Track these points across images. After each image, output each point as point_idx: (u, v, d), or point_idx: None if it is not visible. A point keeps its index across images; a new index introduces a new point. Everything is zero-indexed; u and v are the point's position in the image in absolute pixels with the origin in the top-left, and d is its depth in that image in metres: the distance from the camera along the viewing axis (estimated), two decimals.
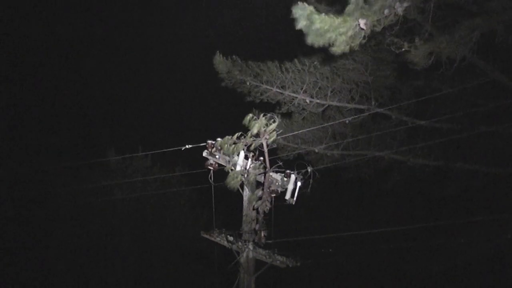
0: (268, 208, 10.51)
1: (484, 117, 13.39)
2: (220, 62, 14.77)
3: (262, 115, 10.23)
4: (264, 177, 10.71)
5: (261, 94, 15.09)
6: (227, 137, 10.38)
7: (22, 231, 19.42)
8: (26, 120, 24.11)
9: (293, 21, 9.22)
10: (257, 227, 10.51)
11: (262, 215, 10.52)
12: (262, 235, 10.49)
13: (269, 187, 10.74)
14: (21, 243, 19.27)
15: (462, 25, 9.86)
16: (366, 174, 15.48)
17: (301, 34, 9.52)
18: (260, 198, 10.60)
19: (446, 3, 11.05)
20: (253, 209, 10.59)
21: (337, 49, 8.86)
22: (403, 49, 9.94)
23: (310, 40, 9.00)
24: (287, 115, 15.46)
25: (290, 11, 9.02)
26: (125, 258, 20.42)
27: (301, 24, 8.89)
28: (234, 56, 14.93)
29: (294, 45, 14.60)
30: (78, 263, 19.72)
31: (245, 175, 10.63)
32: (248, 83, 14.89)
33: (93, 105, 27.41)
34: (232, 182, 10.37)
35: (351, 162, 14.99)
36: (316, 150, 14.98)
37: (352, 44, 9.08)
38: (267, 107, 15.15)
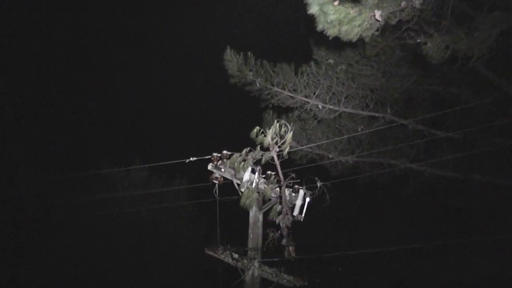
0: (291, 222, 10.60)
1: (504, 129, 13.46)
2: (230, 59, 14.54)
3: (275, 121, 10.33)
4: (280, 191, 10.85)
5: (272, 97, 15.04)
6: (235, 154, 10.55)
7: (10, 245, 19.05)
8: (14, 128, 23.80)
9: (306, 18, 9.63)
10: (283, 242, 10.57)
11: (287, 229, 10.57)
12: (291, 249, 10.52)
13: (279, 202, 10.85)
14: (9, 257, 18.91)
15: (481, 19, 9.97)
16: (381, 180, 15.54)
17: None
18: (279, 213, 10.66)
19: None
20: (276, 224, 10.69)
21: (346, 38, 9.25)
22: (419, 41, 10.11)
23: (321, 28, 9.38)
24: (300, 119, 15.56)
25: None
26: (121, 276, 19.91)
27: (313, 10, 9.15)
28: (248, 53, 14.67)
29: (307, 46, 15.06)
30: (68, 282, 19.27)
31: (257, 192, 10.83)
32: (258, 84, 14.75)
33: (86, 112, 27.17)
34: (248, 201, 10.57)
35: (366, 168, 15.04)
36: (330, 156, 15.07)
37: (364, 35, 9.42)
38: (278, 112, 15.44)
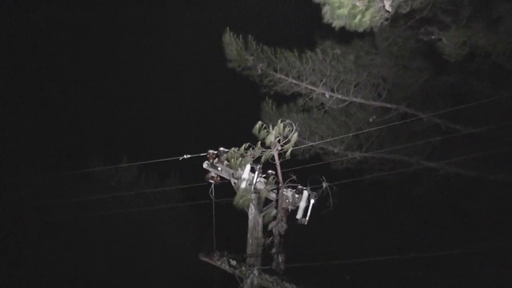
0: (285, 229, 9.95)
1: None
2: (229, 41, 13.74)
3: (280, 121, 9.60)
4: (277, 194, 10.16)
5: (274, 84, 14.20)
6: (233, 149, 9.80)
7: (9, 245, 18.84)
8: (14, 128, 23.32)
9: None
10: (273, 250, 9.95)
11: (279, 237, 9.93)
12: (280, 260, 9.91)
13: (275, 206, 10.23)
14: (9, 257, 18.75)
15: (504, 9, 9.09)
16: (390, 178, 14.67)
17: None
18: (274, 218, 10.07)
19: None
20: (268, 230, 10.07)
21: (354, 29, 8.87)
22: (433, 37, 9.31)
23: (327, 19, 8.94)
24: (305, 109, 14.74)
25: None
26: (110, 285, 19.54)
27: None
28: (249, 36, 13.89)
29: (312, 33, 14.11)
30: (68, 282, 19.02)
31: (254, 192, 10.10)
32: (259, 70, 13.92)
33: (83, 110, 26.35)
34: (242, 201, 9.87)
35: (375, 165, 14.26)
36: (336, 150, 14.26)
37: (373, 25, 8.93)
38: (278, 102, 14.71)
